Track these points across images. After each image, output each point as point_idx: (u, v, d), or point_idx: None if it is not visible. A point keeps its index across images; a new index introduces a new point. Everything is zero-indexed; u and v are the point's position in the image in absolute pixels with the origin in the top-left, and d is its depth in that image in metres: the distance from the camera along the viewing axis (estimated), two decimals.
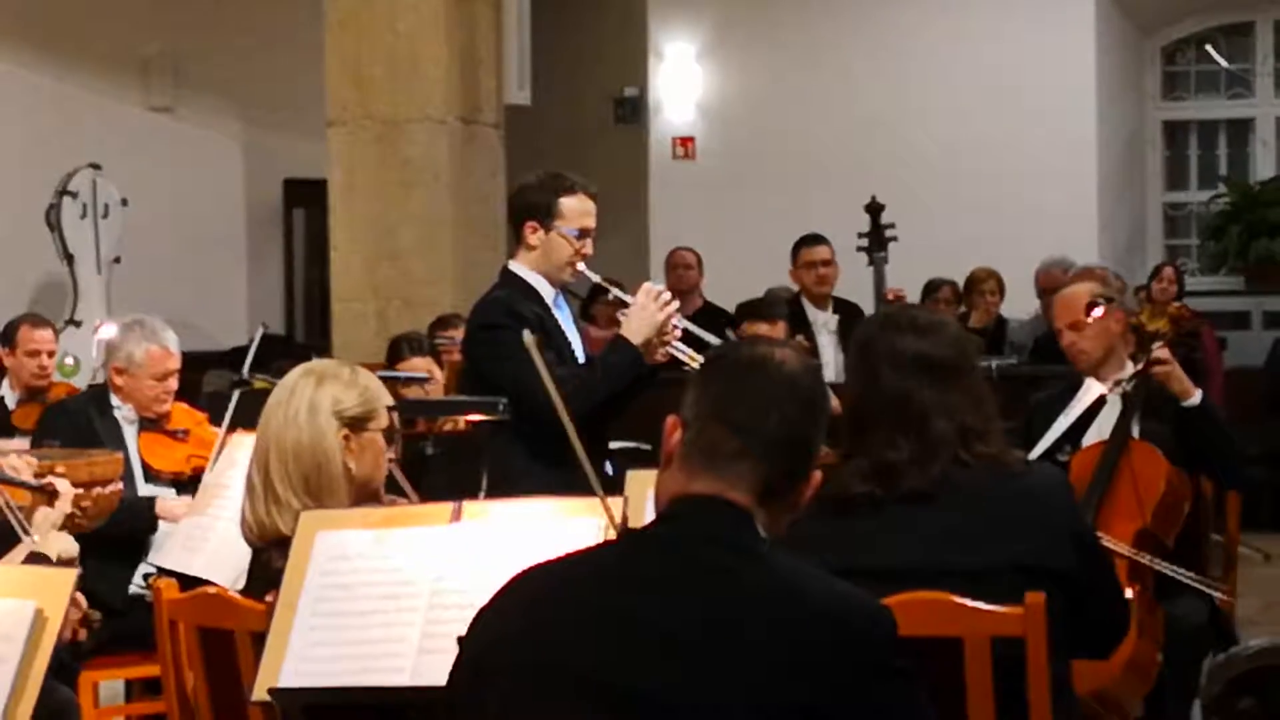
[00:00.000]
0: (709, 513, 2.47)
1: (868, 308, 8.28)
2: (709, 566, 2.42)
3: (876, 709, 2.36)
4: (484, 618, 2.53)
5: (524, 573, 2.56)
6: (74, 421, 5.95)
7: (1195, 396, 5.27)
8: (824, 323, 8.41)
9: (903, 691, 2.41)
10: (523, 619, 2.46)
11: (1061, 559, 3.42)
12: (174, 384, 5.99)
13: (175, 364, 5.98)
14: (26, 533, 4.16)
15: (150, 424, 5.97)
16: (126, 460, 5.83)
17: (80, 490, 4.51)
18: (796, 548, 3.33)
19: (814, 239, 8.62)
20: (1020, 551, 3.38)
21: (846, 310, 8.53)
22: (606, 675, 2.36)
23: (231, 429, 5.66)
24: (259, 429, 3.77)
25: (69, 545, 4.17)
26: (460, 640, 2.55)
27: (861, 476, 3.42)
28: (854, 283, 8.62)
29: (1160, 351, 5.24)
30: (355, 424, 3.70)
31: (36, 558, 4.06)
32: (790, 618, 2.37)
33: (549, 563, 2.55)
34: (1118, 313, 5.45)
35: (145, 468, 5.93)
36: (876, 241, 8.25)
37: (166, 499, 5.78)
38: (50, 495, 4.19)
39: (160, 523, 5.68)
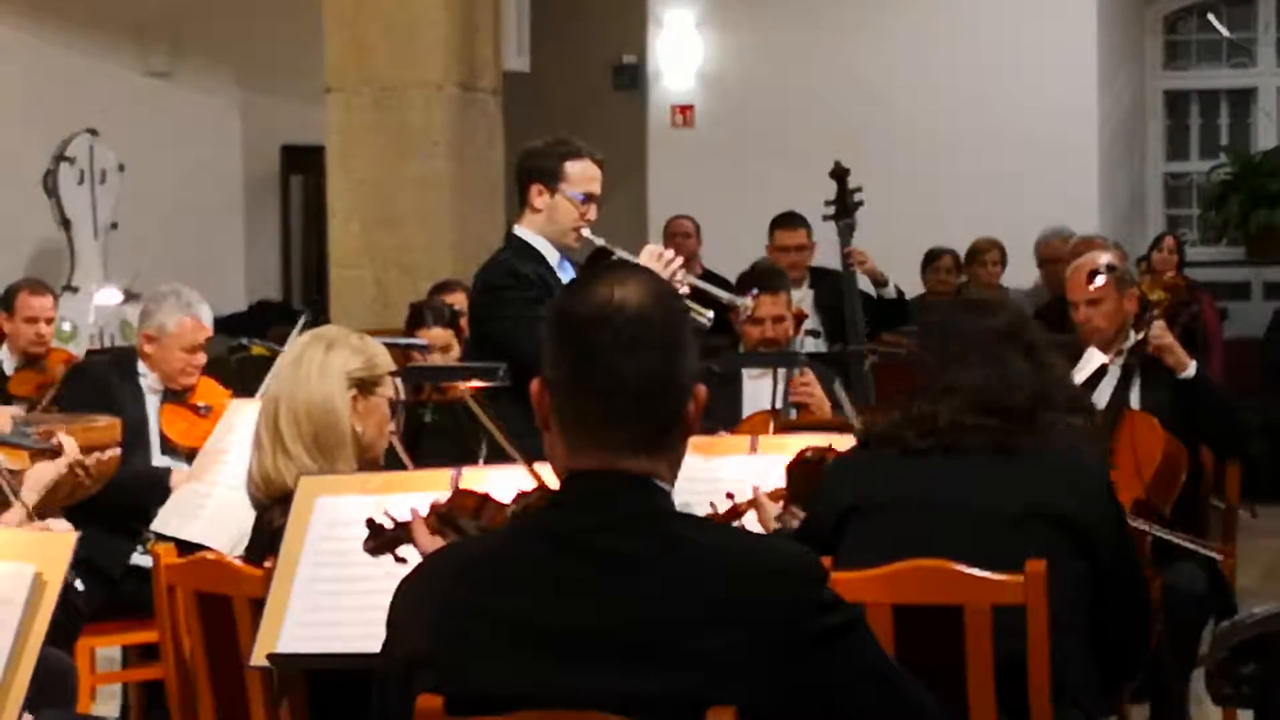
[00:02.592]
0: (603, 493, 2.32)
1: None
2: (616, 556, 2.27)
3: (822, 670, 2.25)
4: (401, 629, 2.39)
5: (435, 572, 2.44)
6: (95, 384, 5.91)
7: (1190, 369, 5.33)
8: (798, 299, 8.09)
9: (846, 647, 2.29)
10: (443, 638, 2.32)
11: (1103, 528, 3.50)
12: (202, 358, 5.92)
13: (206, 337, 5.92)
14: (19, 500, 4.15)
15: (174, 396, 5.90)
16: (145, 429, 5.81)
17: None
18: (853, 472, 3.57)
19: (789, 220, 8.35)
20: (1067, 507, 3.47)
21: (821, 279, 8.32)
22: (541, 689, 2.25)
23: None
24: (269, 389, 3.79)
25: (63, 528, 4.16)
26: (382, 651, 2.42)
27: (921, 432, 3.56)
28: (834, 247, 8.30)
29: (1157, 328, 5.29)
30: (363, 386, 3.78)
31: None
32: (708, 598, 2.24)
33: (458, 565, 2.42)
34: (1133, 293, 5.49)
35: (163, 439, 5.88)
36: (842, 208, 7.88)
37: (182, 472, 5.71)
38: (54, 455, 4.18)
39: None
